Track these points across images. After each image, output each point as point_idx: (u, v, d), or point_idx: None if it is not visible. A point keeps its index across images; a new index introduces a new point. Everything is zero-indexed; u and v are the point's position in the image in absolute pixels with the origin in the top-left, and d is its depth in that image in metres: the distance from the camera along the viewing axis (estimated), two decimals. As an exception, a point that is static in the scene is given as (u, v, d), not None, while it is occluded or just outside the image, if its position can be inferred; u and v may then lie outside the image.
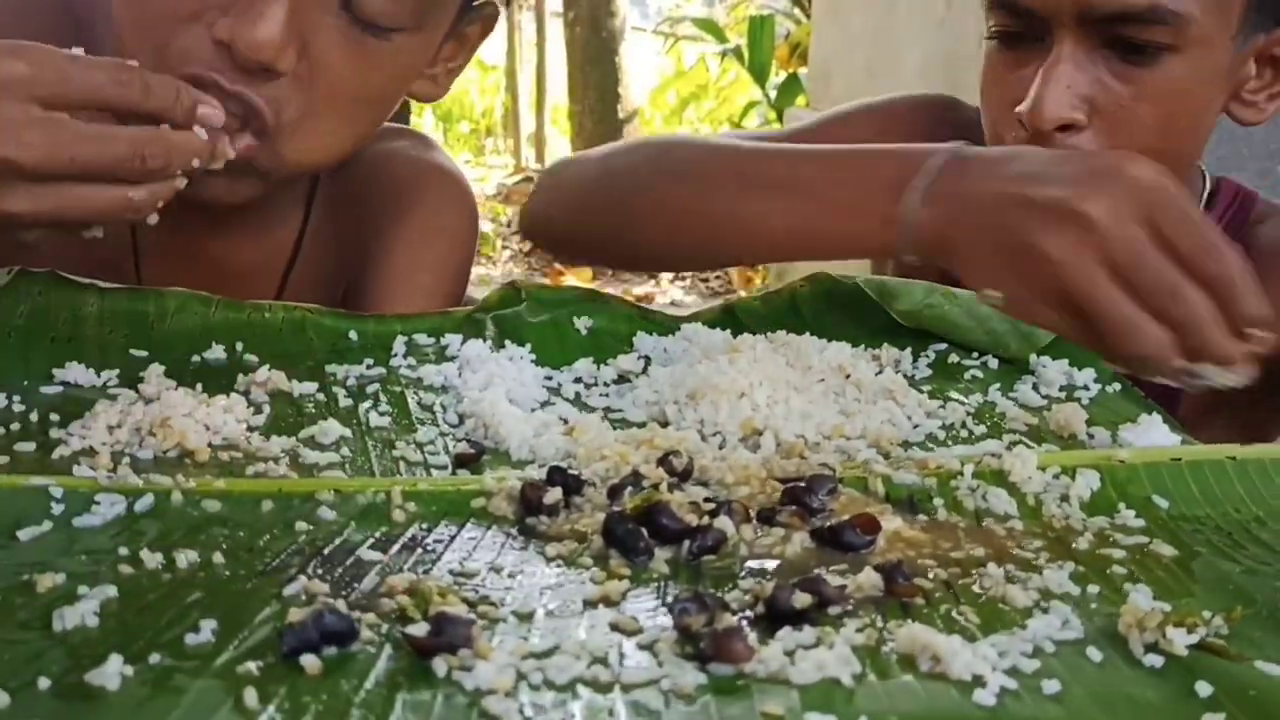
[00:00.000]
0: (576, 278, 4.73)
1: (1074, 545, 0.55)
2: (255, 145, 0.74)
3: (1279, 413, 0.99)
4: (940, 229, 0.72)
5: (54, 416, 0.64)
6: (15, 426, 0.63)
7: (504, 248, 5.46)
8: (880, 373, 0.76)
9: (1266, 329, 0.65)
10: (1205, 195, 1.02)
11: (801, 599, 0.45)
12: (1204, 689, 0.43)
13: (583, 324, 0.83)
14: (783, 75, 5.67)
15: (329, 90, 0.75)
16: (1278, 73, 0.93)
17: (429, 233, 0.92)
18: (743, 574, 0.51)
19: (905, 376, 0.76)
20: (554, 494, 0.56)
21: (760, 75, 5.56)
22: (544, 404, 0.72)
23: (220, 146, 0.69)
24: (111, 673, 0.41)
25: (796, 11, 6.40)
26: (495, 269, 5.11)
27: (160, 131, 0.66)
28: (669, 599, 0.48)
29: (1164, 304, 0.65)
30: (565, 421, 0.68)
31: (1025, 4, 0.87)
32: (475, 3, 0.84)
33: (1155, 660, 0.44)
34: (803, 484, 0.58)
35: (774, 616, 0.45)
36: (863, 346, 0.79)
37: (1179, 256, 0.65)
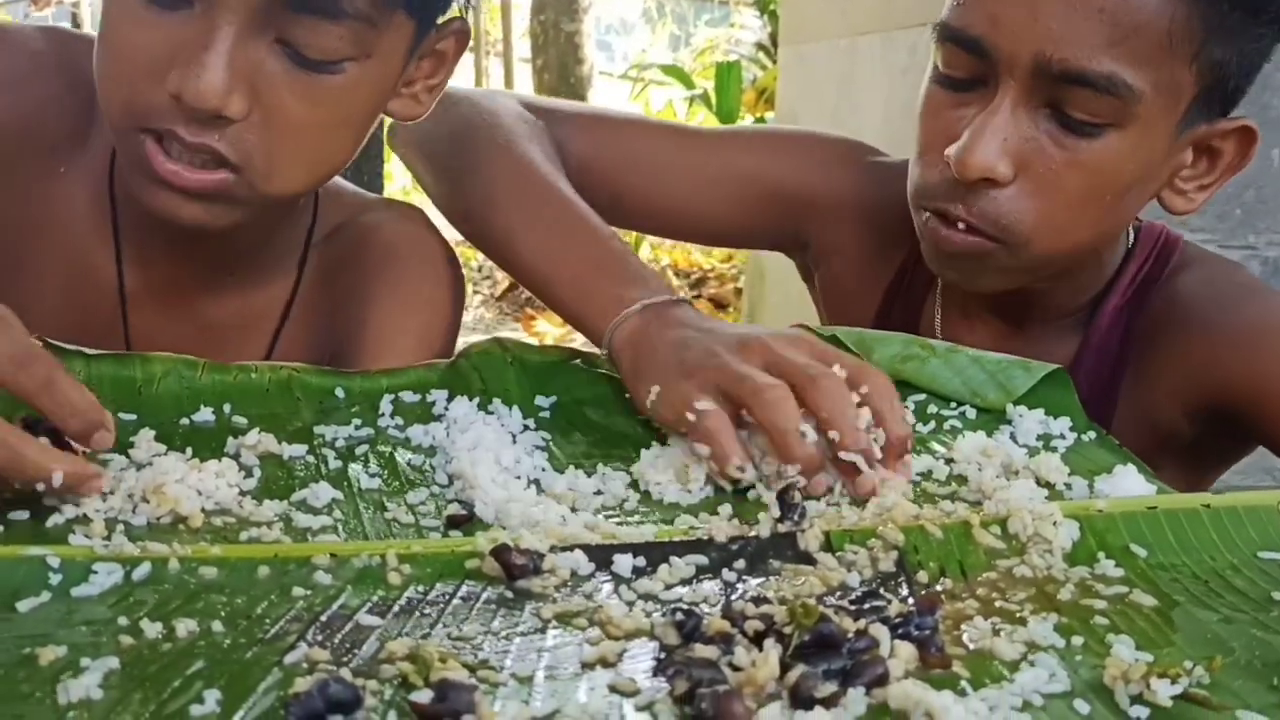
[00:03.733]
0: (548, 321, 4.74)
1: (1057, 595, 0.56)
2: (229, 179, 0.77)
3: (1219, 460, 1.00)
4: (631, 359, 0.79)
5: (45, 483, 0.64)
6: (7, 494, 0.63)
7: (475, 292, 5.46)
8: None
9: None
10: (1130, 244, 0.97)
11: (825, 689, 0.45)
12: (1189, 739, 0.44)
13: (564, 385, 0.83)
14: (750, 120, 5.74)
15: (287, 127, 0.77)
16: (1213, 163, 0.89)
17: (413, 302, 0.93)
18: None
19: None
20: (525, 561, 0.57)
21: (728, 120, 5.62)
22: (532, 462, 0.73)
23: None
24: (120, 746, 0.41)
25: (762, 57, 6.49)
26: (467, 314, 5.08)
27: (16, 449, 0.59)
28: (663, 659, 0.49)
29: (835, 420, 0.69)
30: (538, 485, 0.70)
31: (984, 41, 0.83)
32: (440, 20, 0.84)
33: (1141, 711, 0.46)
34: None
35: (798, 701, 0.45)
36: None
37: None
